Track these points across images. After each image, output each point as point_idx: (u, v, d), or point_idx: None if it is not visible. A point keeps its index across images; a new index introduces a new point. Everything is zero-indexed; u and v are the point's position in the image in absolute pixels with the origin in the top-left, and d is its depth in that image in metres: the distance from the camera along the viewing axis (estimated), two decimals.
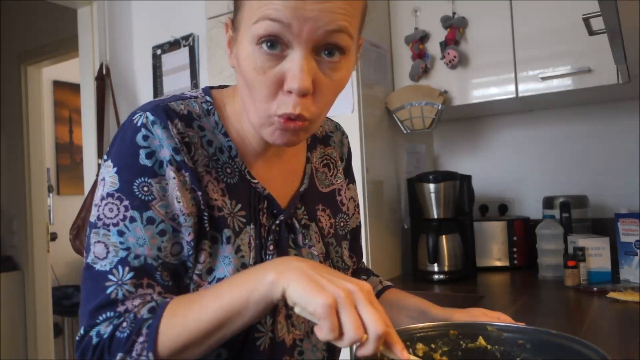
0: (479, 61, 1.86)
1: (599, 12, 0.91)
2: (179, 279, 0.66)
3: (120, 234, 0.63)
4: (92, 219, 0.65)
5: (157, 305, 0.61)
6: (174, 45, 2.32)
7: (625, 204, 1.89)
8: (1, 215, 3.51)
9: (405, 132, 1.96)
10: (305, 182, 0.80)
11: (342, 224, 0.85)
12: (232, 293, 0.57)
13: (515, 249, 1.90)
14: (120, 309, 0.61)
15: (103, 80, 2.43)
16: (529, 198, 2.13)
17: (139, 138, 0.64)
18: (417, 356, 0.66)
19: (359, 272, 0.97)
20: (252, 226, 0.71)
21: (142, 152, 0.64)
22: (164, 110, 0.66)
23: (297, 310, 0.54)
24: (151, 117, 0.65)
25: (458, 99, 1.90)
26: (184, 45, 2.27)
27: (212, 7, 2.07)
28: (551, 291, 1.56)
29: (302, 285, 0.53)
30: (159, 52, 2.36)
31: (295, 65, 0.58)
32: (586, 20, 1.09)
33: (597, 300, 1.40)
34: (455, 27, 1.87)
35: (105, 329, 0.60)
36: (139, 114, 0.66)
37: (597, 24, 1.05)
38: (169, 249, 0.65)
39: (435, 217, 1.84)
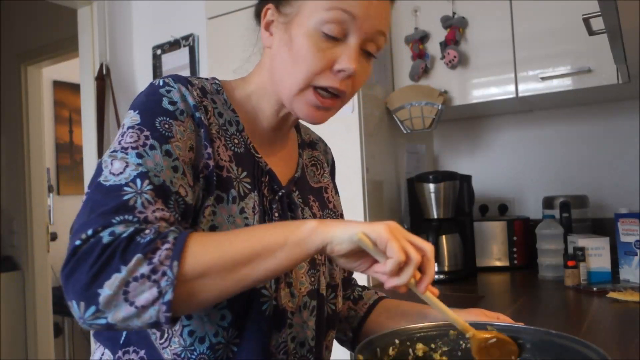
0: (479, 61, 1.86)
1: (599, 12, 0.91)
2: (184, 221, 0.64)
3: (140, 156, 0.61)
4: (110, 148, 0.64)
5: (180, 229, 0.57)
6: (174, 45, 2.32)
7: (625, 204, 1.88)
8: (1, 215, 3.50)
9: (405, 132, 1.96)
10: (299, 171, 0.84)
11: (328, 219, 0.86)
12: (269, 232, 0.58)
13: (515, 249, 1.90)
14: (140, 215, 0.56)
15: (103, 80, 2.43)
16: (529, 198, 2.13)
17: (162, 90, 0.68)
18: (417, 356, 0.66)
19: (354, 286, 0.97)
20: (255, 193, 0.73)
21: (165, 100, 0.68)
22: (184, 77, 0.72)
23: (341, 249, 0.55)
24: (172, 79, 0.70)
25: (458, 99, 1.90)
26: (184, 45, 2.27)
27: (212, 7, 2.07)
28: (551, 291, 1.56)
29: (349, 227, 0.55)
30: (159, 52, 2.36)
31: (351, 50, 0.69)
32: (586, 20, 1.09)
33: (597, 300, 1.40)
34: (455, 27, 1.87)
35: (122, 229, 0.53)
36: (160, 78, 0.71)
37: (597, 24, 1.05)
38: (178, 187, 0.63)
39: (435, 217, 1.83)
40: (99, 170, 0.61)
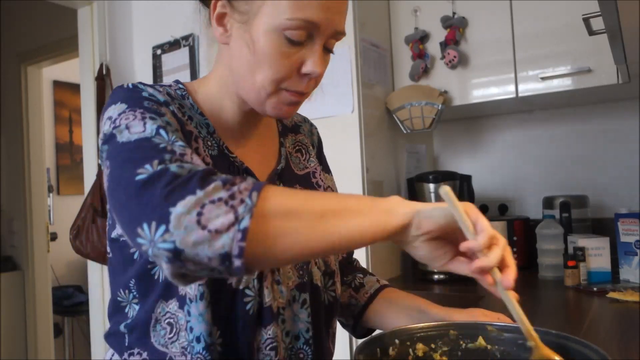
0: (479, 61, 1.86)
1: (599, 12, 0.91)
2: None
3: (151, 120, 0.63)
4: (107, 132, 0.62)
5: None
6: (174, 45, 2.31)
7: (625, 204, 1.89)
8: (1, 215, 3.50)
9: (405, 132, 1.96)
10: (282, 162, 0.83)
11: None
12: (354, 196, 0.58)
13: (515, 249, 1.90)
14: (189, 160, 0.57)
15: (103, 80, 2.43)
16: (529, 198, 2.13)
17: (136, 88, 0.69)
18: (417, 356, 0.66)
19: (355, 270, 0.97)
20: None
21: (144, 92, 0.69)
22: (147, 84, 0.72)
23: (430, 224, 0.54)
24: (139, 83, 0.71)
25: (458, 99, 1.90)
26: (184, 45, 2.27)
27: None
28: (551, 291, 1.56)
29: (432, 204, 0.57)
30: (159, 52, 2.36)
31: (316, 55, 0.69)
32: (586, 20, 1.09)
33: (597, 300, 1.40)
34: (455, 27, 1.87)
35: (188, 165, 0.54)
36: (125, 84, 0.71)
37: (597, 24, 1.05)
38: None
39: None
40: (111, 142, 0.60)
